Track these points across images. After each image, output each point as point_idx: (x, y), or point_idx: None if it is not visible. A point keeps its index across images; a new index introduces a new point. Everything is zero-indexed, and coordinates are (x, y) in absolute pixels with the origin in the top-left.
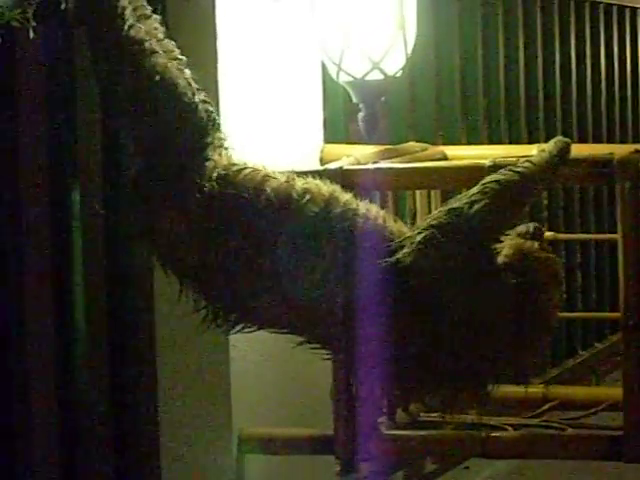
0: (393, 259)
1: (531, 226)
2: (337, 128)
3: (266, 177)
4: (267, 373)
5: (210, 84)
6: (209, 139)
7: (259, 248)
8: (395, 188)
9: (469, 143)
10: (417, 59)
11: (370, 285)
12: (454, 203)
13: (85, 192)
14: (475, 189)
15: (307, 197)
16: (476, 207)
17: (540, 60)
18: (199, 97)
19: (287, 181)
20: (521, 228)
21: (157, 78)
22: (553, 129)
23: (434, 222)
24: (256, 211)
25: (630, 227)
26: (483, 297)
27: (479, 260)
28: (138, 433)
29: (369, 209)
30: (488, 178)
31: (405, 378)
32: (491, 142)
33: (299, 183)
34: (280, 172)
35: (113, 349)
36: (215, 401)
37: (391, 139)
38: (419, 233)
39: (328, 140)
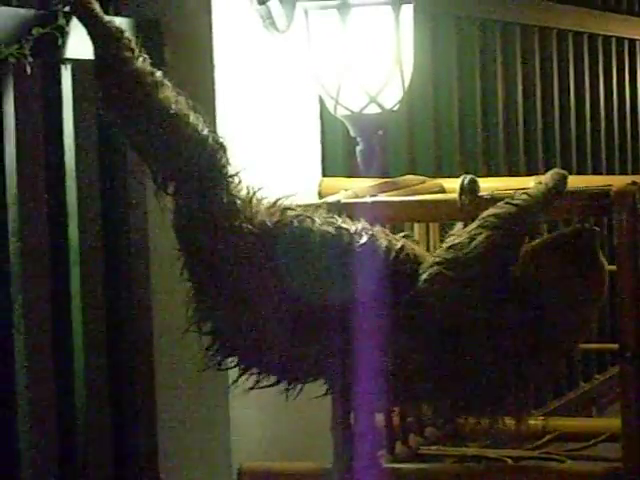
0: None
1: None
2: (336, 162)
3: (285, 209)
4: (266, 406)
5: (208, 119)
6: (225, 170)
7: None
8: (392, 220)
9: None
10: (415, 93)
11: (381, 319)
12: (455, 239)
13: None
14: (474, 224)
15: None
16: (476, 241)
17: (539, 92)
18: (208, 128)
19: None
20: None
21: (172, 111)
22: (552, 161)
23: (438, 259)
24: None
25: (627, 258)
26: (496, 328)
27: (486, 291)
28: (137, 469)
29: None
30: (486, 212)
31: (420, 408)
32: (489, 175)
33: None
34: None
35: (111, 384)
36: (214, 434)
37: (389, 172)
38: (423, 272)
39: (326, 174)
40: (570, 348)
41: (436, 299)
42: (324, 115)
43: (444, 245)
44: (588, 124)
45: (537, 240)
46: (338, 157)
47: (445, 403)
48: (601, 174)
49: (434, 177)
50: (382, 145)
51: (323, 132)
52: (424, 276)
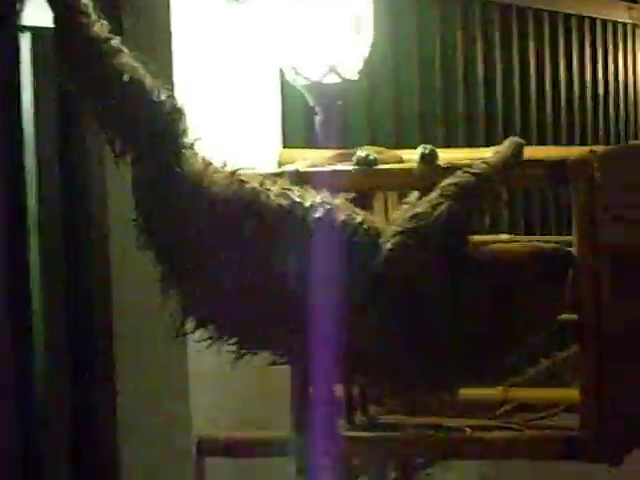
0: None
1: None
2: (295, 133)
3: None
4: (226, 376)
5: (165, 87)
6: (182, 138)
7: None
8: (349, 190)
9: None
10: (375, 63)
11: (341, 288)
12: (417, 209)
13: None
14: (434, 193)
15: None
16: (438, 211)
17: (499, 65)
18: (165, 94)
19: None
20: None
21: (128, 77)
22: (512, 133)
23: (400, 229)
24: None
25: (585, 228)
26: (458, 298)
27: (449, 260)
28: (96, 437)
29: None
30: (446, 181)
31: (378, 376)
32: (449, 146)
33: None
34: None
35: (70, 353)
36: (174, 404)
37: (348, 143)
38: (387, 241)
39: (287, 145)
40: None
41: (400, 268)
42: (284, 85)
43: (405, 215)
44: (549, 97)
45: (516, 244)
46: (299, 128)
47: (406, 375)
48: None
49: (394, 148)
50: (341, 116)
51: (283, 102)
52: (388, 245)
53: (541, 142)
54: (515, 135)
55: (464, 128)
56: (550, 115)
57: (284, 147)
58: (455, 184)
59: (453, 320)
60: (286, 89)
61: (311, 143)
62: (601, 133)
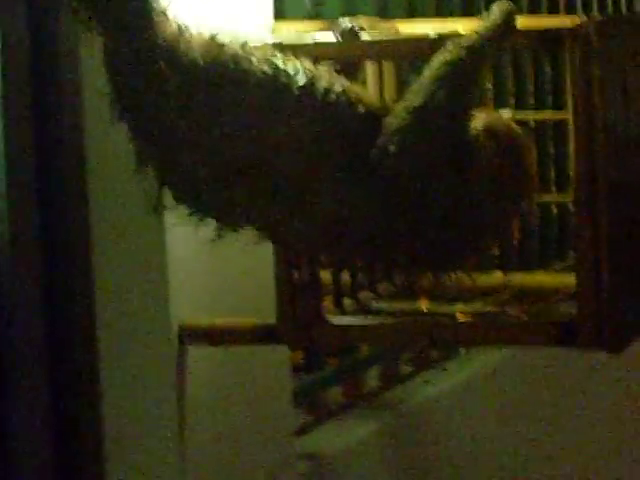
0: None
1: None
2: (289, 4)
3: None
4: (207, 260)
5: None
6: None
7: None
8: (341, 59)
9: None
10: None
11: (320, 166)
12: (412, 100)
13: None
14: (427, 79)
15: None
16: (437, 99)
17: None
18: None
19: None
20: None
21: None
22: None
23: (401, 124)
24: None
25: (581, 101)
26: (455, 181)
27: (453, 148)
28: (73, 330)
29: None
30: (436, 61)
31: (373, 264)
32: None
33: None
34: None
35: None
36: (152, 291)
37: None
38: (389, 139)
39: (278, 16)
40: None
41: (404, 167)
42: None
43: (403, 111)
44: None
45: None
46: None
47: (401, 258)
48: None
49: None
50: None
51: None
52: (392, 148)
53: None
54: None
55: None
56: None
57: (275, 20)
58: (447, 63)
59: (454, 201)
60: None
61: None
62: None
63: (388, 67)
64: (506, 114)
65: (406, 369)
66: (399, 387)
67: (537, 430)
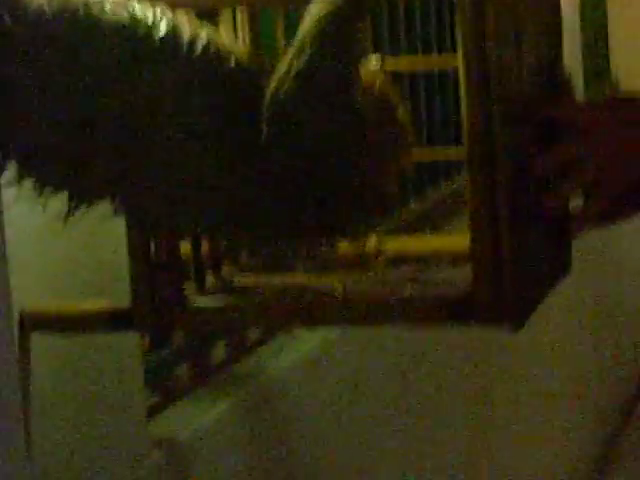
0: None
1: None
2: None
3: None
4: (52, 235)
5: None
6: None
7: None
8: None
9: None
10: None
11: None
12: (294, 63)
13: None
14: (307, 36)
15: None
16: (322, 59)
17: None
18: None
19: None
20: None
21: None
22: None
23: (283, 95)
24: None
25: (472, 47)
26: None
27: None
28: None
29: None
30: (314, 14)
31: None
32: None
33: None
34: None
35: None
36: None
37: None
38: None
39: None
40: None
41: (292, 119)
42: None
43: (286, 73)
44: None
45: None
46: None
47: (267, 226)
48: None
49: None
50: None
51: None
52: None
53: None
54: None
55: None
56: None
57: None
58: (327, 15)
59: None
60: None
61: None
62: None
63: (243, 17)
64: (375, 61)
65: (254, 338)
66: (250, 358)
67: (394, 394)
